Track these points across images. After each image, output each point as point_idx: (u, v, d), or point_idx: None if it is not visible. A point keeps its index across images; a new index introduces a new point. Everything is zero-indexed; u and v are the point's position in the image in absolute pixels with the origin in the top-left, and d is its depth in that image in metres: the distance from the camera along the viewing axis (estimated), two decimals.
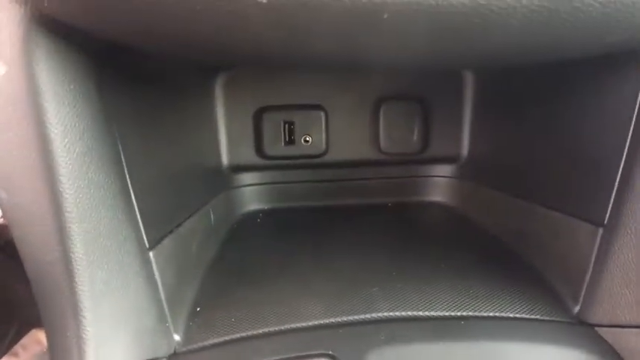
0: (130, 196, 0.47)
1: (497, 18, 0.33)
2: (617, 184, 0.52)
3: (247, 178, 0.85)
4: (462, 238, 0.74)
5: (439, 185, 0.87)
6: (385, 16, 0.32)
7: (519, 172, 0.70)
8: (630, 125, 0.49)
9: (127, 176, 0.47)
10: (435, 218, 0.82)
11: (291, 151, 0.81)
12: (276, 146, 0.81)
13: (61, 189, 0.40)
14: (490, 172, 0.78)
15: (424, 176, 0.87)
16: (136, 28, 0.35)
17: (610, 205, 0.52)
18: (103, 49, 0.42)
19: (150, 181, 0.53)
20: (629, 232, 0.50)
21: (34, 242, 0.42)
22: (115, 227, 0.44)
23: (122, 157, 0.47)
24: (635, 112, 0.49)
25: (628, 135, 0.50)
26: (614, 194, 0.52)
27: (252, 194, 0.85)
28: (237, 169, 0.83)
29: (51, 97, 0.38)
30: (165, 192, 0.57)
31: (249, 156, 0.82)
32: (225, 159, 0.81)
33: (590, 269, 0.53)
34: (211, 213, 0.72)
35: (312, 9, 0.31)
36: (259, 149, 0.81)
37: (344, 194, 0.86)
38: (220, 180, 0.80)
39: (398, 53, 0.37)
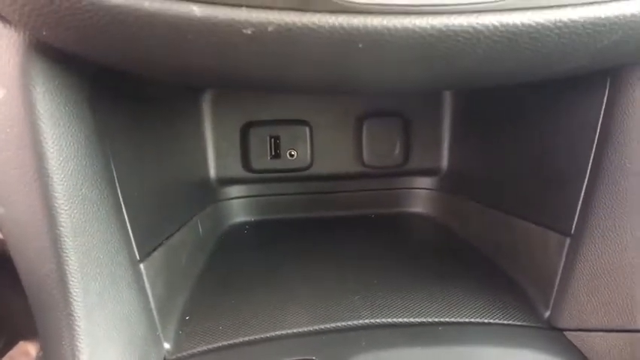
0: (122, 210, 0.49)
1: (464, 47, 0.36)
2: (582, 196, 0.55)
3: (234, 190, 0.87)
4: (440, 248, 0.77)
5: (420, 197, 0.90)
6: (360, 45, 0.35)
7: (495, 184, 0.74)
8: (594, 142, 0.53)
9: (119, 191, 0.49)
10: (415, 229, 0.85)
11: (277, 164, 0.84)
12: (262, 160, 0.83)
13: (55, 205, 0.42)
14: (468, 185, 0.82)
15: (405, 188, 0.90)
16: (129, 56, 0.37)
17: (576, 217, 0.56)
18: (96, 71, 0.44)
19: (140, 195, 0.55)
20: (594, 241, 0.54)
21: (29, 256, 0.44)
22: (108, 240, 0.47)
23: (114, 173, 0.49)
24: (598, 130, 0.52)
25: (591, 151, 0.54)
26: (579, 206, 0.55)
27: (239, 206, 0.87)
28: (225, 182, 0.85)
29: (47, 119, 0.40)
30: (155, 205, 0.59)
31: (236, 169, 0.84)
32: (212, 172, 0.84)
33: (559, 276, 0.56)
34: (199, 225, 0.74)
35: (292, 40, 0.34)
36: (246, 163, 0.84)
37: (328, 206, 0.89)
38: (208, 193, 0.82)
39: (374, 80, 0.40)
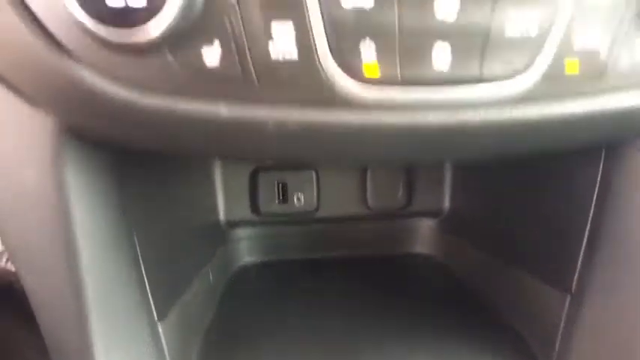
0: (142, 273, 0.52)
1: (474, 139, 0.38)
2: (581, 255, 0.57)
3: (243, 232, 0.89)
4: (443, 294, 0.79)
5: (423, 238, 0.92)
6: (375, 136, 0.37)
7: (495, 232, 0.76)
8: (592, 205, 0.55)
9: (139, 254, 0.52)
10: (418, 272, 0.87)
11: (285, 209, 0.86)
12: (270, 204, 0.86)
13: (81, 276, 0.44)
14: (469, 229, 0.84)
15: (409, 229, 0.92)
16: (159, 146, 0.40)
17: (576, 275, 0.58)
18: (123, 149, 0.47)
19: (157, 254, 0.57)
20: (595, 299, 0.56)
21: (53, 318, 0.47)
22: (129, 305, 0.49)
23: (135, 236, 0.51)
24: (595, 194, 0.55)
25: (590, 213, 0.56)
26: (579, 265, 0.57)
27: (247, 248, 0.89)
28: (234, 224, 0.87)
29: (77, 197, 0.43)
30: (170, 261, 0.61)
31: (245, 213, 0.87)
32: (222, 216, 0.86)
33: (561, 332, 0.58)
34: (210, 273, 0.76)
35: (311, 133, 0.37)
36: (255, 207, 0.86)
37: (334, 247, 0.91)
38: (218, 237, 0.84)
39: (385, 160, 0.43)
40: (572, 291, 0.57)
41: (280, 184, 0.85)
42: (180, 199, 0.68)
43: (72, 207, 0.42)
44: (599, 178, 0.55)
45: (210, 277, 0.76)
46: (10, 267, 0.89)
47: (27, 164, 0.43)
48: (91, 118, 0.38)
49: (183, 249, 0.67)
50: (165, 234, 0.61)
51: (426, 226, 0.92)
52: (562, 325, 0.58)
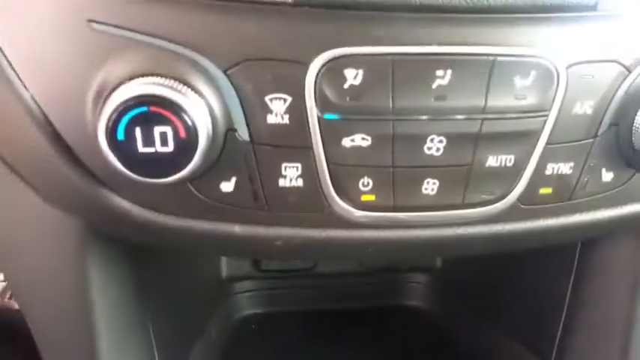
0: (152, 344, 0.56)
1: (458, 249, 0.43)
2: (561, 325, 0.62)
3: (243, 286, 0.93)
4: (431, 347, 0.84)
5: (416, 291, 0.97)
6: (369, 250, 0.42)
7: (484, 295, 0.80)
8: (569, 284, 0.60)
9: (151, 330, 0.56)
10: (410, 326, 0.92)
11: (285, 265, 0.90)
12: (271, 262, 0.90)
13: (99, 358, 0.48)
14: (461, 287, 0.88)
15: (402, 283, 0.96)
16: (176, 249, 0.44)
17: (556, 343, 0.62)
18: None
19: (166, 322, 0.61)
20: None
21: None
22: None
23: (148, 315, 0.55)
24: (574, 272, 0.60)
25: (569, 285, 0.61)
26: (558, 334, 0.62)
27: (247, 300, 0.93)
28: (235, 279, 0.91)
29: (97, 289, 0.47)
30: (178, 325, 0.65)
31: (246, 269, 0.91)
32: (224, 272, 0.90)
33: None
34: (213, 329, 0.80)
35: (313, 247, 0.41)
36: (256, 263, 0.90)
37: (331, 300, 0.95)
38: (219, 291, 0.88)
39: (373, 262, 0.47)
40: (552, 358, 0.62)
41: None
42: (187, 265, 0.72)
43: (93, 298, 0.47)
44: (577, 255, 0.60)
45: (213, 333, 0.80)
46: (12, 303, 0.92)
47: (51, 259, 0.47)
48: (115, 229, 0.42)
49: (188, 310, 0.71)
50: (173, 302, 0.65)
51: (418, 280, 0.96)
52: None
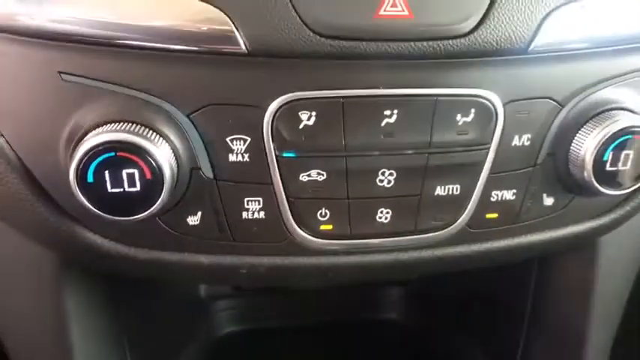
0: None
1: (420, 269, 0.46)
2: (523, 335, 0.65)
3: (223, 304, 0.95)
4: (407, 356, 0.87)
5: (393, 304, 0.99)
6: (330, 274, 0.45)
7: (456, 305, 0.83)
8: (528, 298, 0.64)
9: (128, 353, 0.57)
10: (386, 336, 0.94)
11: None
12: None
13: None
14: (434, 298, 0.91)
15: (378, 297, 0.99)
16: (148, 278, 0.47)
17: (519, 351, 0.66)
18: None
19: (145, 346, 0.63)
20: None
21: None
22: None
23: (125, 340, 0.57)
24: (532, 287, 0.63)
25: (529, 296, 0.64)
26: (522, 344, 0.65)
27: (227, 318, 0.95)
28: (214, 298, 0.93)
29: (74, 317, 0.49)
30: (157, 347, 0.67)
31: (224, 288, 0.93)
32: (203, 292, 0.92)
33: None
34: (193, 349, 0.81)
35: (277, 273, 0.44)
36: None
37: (309, 314, 0.97)
38: (199, 311, 0.90)
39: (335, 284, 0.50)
40: None
41: None
42: (165, 288, 0.74)
43: (70, 326, 0.49)
44: (534, 272, 0.64)
45: (192, 352, 0.82)
46: None
47: (29, 290, 0.49)
48: (88, 261, 0.45)
49: (167, 332, 0.73)
50: (152, 325, 0.67)
51: (393, 294, 0.99)
52: None
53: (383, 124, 0.38)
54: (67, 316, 0.48)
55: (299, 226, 0.40)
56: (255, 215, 0.40)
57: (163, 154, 0.35)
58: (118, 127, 0.35)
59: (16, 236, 0.45)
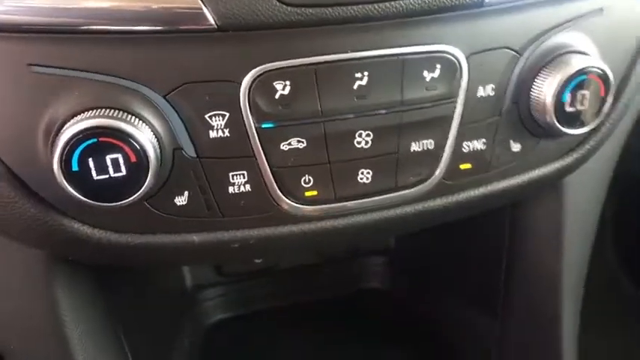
0: (127, 355, 0.58)
1: (396, 228, 0.48)
2: (502, 284, 0.69)
3: (209, 293, 0.95)
4: (395, 328, 0.90)
5: (375, 274, 1.02)
6: (318, 239, 0.46)
7: (436, 267, 0.87)
8: (504, 246, 0.67)
9: (125, 345, 0.58)
10: (371, 307, 0.98)
11: (246, 267, 0.94)
12: (232, 265, 0.93)
13: None
14: (415, 263, 0.95)
15: (361, 268, 1.02)
16: (139, 265, 0.47)
17: (501, 304, 0.69)
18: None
19: (139, 336, 0.63)
20: (518, 321, 0.67)
21: None
22: None
23: (121, 331, 0.57)
24: (507, 236, 0.66)
25: (504, 247, 0.68)
26: (502, 297, 0.69)
27: (214, 306, 0.96)
28: (200, 287, 0.93)
29: (68, 312, 0.49)
30: (150, 338, 0.68)
31: (210, 276, 0.93)
32: (189, 283, 0.92)
33: (493, 353, 0.69)
34: (186, 339, 0.82)
35: (268, 244, 0.45)
36: (218, 269, 0.93)
37: (295, 293, 0.99)
38: (186, 301, 0.91)
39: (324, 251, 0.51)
40: (500, 316, 0.68)
41: None
42: (153, 279, 0.74)
43: (64, 321, 0.49)
44: (508, 218, 0.67)
45: (186, 343, 0.83)
46: None
47: (20, 289, 0.49)
48: (78, 254, 0.45)
49: (159, 323, 0.74)
50: (144, 316, 0.67)
51: (376, 263, 1.02)
52: (492, 350, 0.69)
53: (355, 86, 0.39)
54: (62, 314, 0.48)
55: (285, 195, 0.42)
56: (241, 189, 0.41)
57: (145, 136, 0.36)
58: (97, 114, 0.35)
59: (2, 240, 0.45)
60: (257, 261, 0.93)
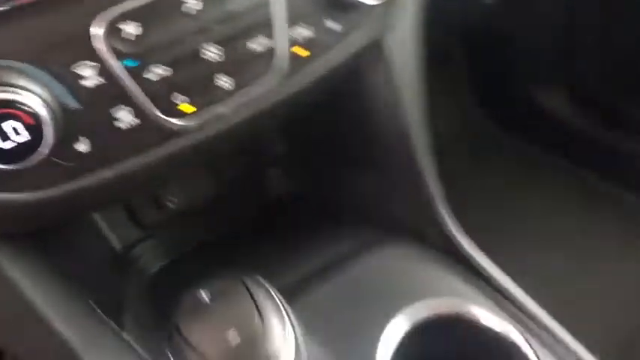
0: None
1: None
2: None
3: (137, 250, 1.01)
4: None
5: (278, 183, 1.14)
6: (206, 148, 0.56)
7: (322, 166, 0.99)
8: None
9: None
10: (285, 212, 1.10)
11: (164, 213, 1.01)
12: (149, 212, 1.00)
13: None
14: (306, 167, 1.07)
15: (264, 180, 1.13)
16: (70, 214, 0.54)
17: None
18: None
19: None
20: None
21: None
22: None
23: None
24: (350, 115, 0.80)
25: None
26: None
27: (151, 259, 1.02)
28: (130, 247, 0.99)
29: (31, 290, 0.55)
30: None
31: (133, 232, 0.99)
32: (117, 245, 0.98)
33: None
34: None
35: None
36: (136, 223, 0.99)
37: (219, 223, 1.09)
38: (122, 262, 0.96)
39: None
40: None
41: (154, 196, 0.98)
42: (82, 245, 0.80)
43: (35, 303, 0.55)
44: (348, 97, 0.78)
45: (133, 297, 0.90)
46: None
47: None
48: (12, 224, 0.51)
49: (103, 288, 0.80)
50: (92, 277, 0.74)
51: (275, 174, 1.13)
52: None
53: (183, 9, 0.48)
54: (25, 293, 0.55)
55: (164, 114, 0.50)
56: (128, 125, 0.49)
57: (31, 99, 0.43)
58: None
59: None
60: (171, 205, 1.00)
